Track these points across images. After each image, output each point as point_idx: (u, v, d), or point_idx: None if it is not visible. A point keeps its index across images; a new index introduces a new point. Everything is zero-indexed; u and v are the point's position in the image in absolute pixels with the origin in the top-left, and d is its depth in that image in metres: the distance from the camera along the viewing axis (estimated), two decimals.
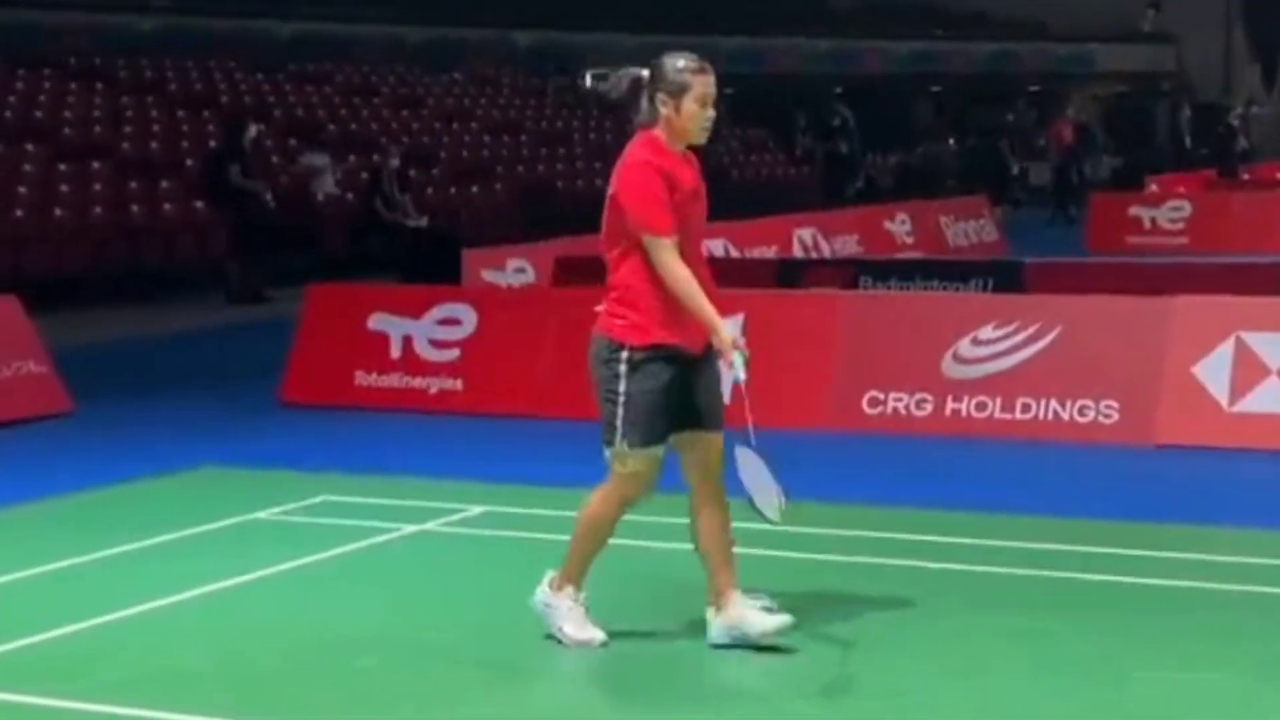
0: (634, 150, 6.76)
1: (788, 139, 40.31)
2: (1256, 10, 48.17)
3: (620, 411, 6.70)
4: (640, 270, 6.70)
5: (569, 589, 6.97)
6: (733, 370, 6.58)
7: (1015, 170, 40.28)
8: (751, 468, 6.63)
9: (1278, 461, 10.84)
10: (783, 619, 6.85)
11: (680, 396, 6.72)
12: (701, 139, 6.78)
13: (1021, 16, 52.36)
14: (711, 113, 6.74)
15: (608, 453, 6.80)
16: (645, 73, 6.79)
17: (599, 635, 6.93)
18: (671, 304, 6.65)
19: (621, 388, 6.69)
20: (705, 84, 6.70)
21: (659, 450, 6.74)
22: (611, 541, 7.04)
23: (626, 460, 6.75)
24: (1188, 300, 12.05)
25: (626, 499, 6.87)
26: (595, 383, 6.82)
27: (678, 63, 6.72)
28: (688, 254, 6.68)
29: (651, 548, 8.39)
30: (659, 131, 6.76)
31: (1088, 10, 51.44)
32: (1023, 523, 9.19)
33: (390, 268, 21.42)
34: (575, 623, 6.94)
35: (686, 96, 6.68)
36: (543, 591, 7.01)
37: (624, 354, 6.71)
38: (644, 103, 6.77)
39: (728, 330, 6.62)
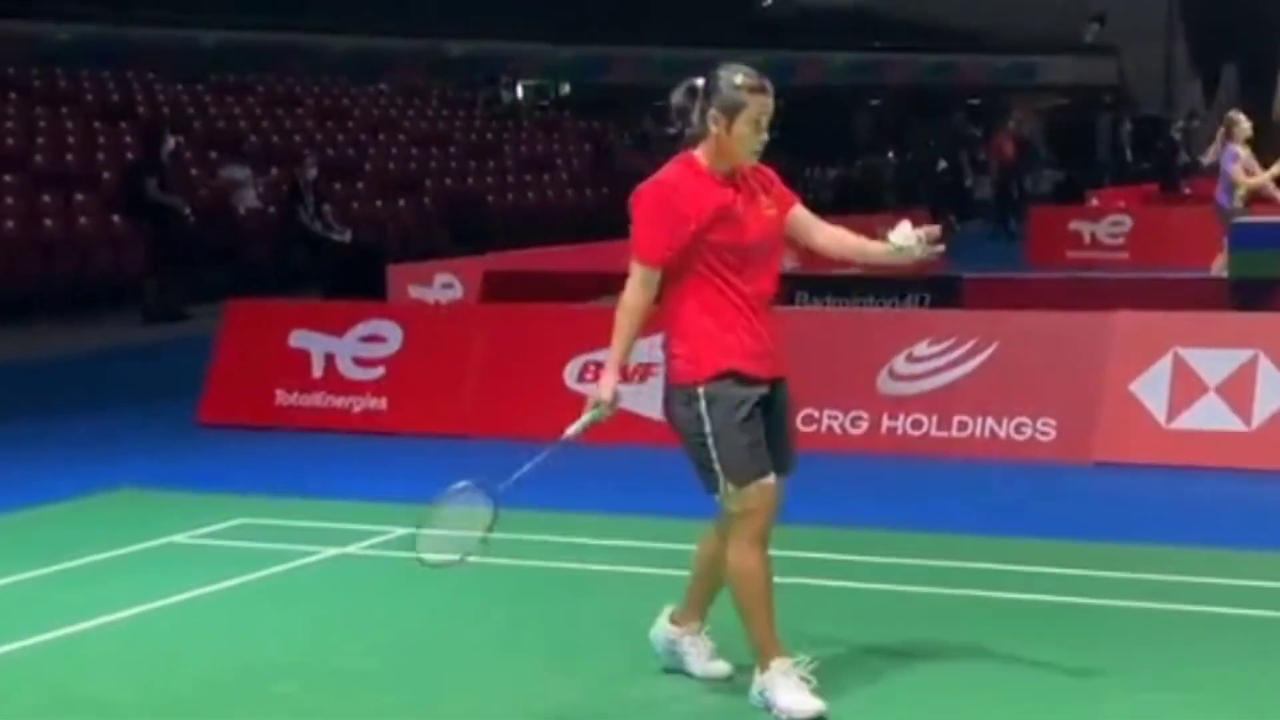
0: (663, 169, 6.47)
1: None
2: (1198, 23, 48.68)
3: (713, 453, 6.31)
4: (686, 297, 6.39)
5: (775, 664, 6.40)
6: (583, 419, 6.39)
7: (970, 183, 40.51)
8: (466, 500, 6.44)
9: (1216, 479, 10.95)
10: (719, 668, 6.79)
11: (759, 436, 6.38)
12: (750, 161, 6.46)
13: (962, 28, 52.74)
14: (765, 136, 6.41)
15: (717, 499, 6.44)
16: (701, 83, 6.44)
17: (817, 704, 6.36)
18: (728, 329, 6.33)
19: (707, 428, 6.31)
20: (762, 105, 6.37)
21: (767, 483, 6.35)
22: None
23: (739, 500, 6.36)
24: (1125, 316, 12.16)
25: (756, 544, 6.41)
26: (680, 435, 6.46)
27: (735, 79, 6.37)
28: (738, 284, 6.33)
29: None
30: (700, 151, 6.43)
31: (1029, 22, 51.89)
32: (959, 542, 9.26)
33: (314, 283, 21.38)
34: (792, 689, 6.37)
35: (740, 117, 6.35)
36: (757, 682, 6.46)
37: (699, 391, 6.34)
38: (695, 115, 6.43)
39: (604, 386, 6.40)
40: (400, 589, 8.60)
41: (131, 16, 34.16)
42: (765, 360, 6.39)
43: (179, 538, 9.69)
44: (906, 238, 6.48)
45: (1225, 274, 18.68)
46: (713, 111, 6.37)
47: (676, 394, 6.45)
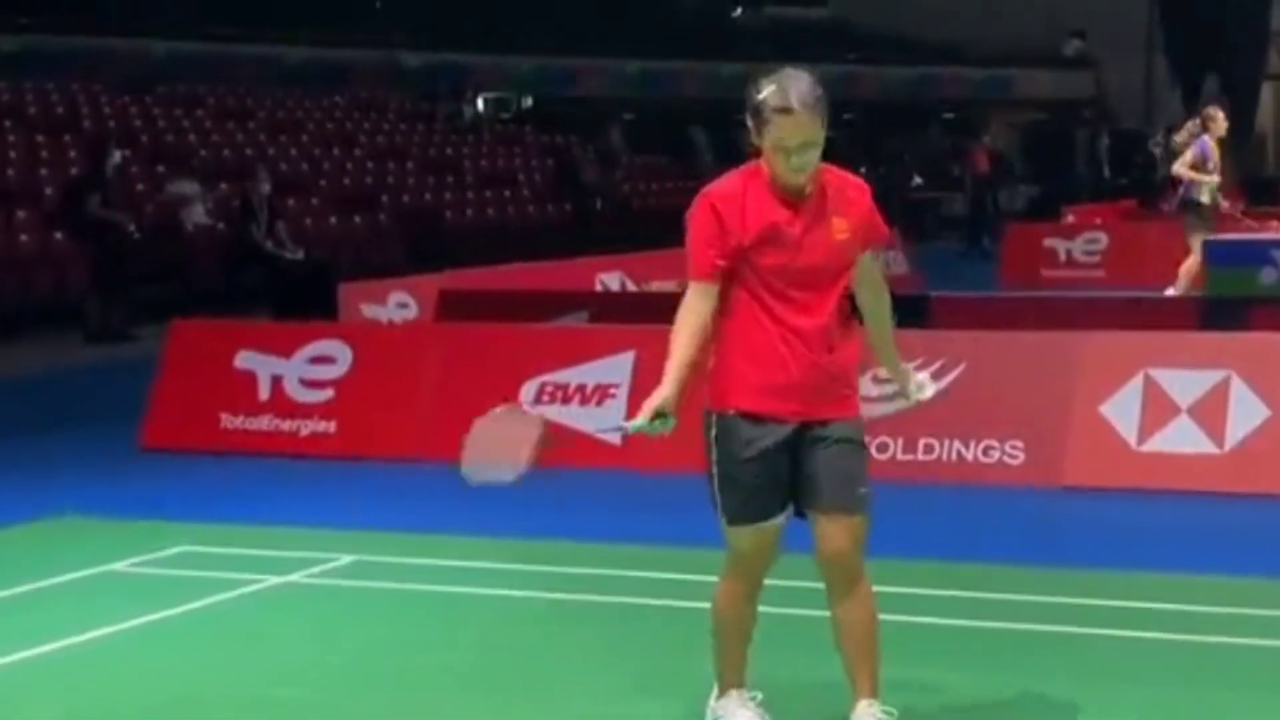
0: (726, 176, 6.25)
1: (691, 166, 40.53)
2: (1178, 37, 48.94)
3: (713, 485, 6.23)
4: (727, 318, 6.15)
5: (732, 693, 6.46)
6: (628, 426, 6.14)
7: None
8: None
9: (1187, 503, 11.01)
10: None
11: (789, 469, 6.17)
12: (792, 181, 6.06)
13: (938, 40, 52.94)
14: (796, 160, 6.00)
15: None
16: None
17: None
18: (755, 362, 6.11)
19: (713, 458, 6.20)
20: (785, 128, 5.96)
21: (763, 527, 6.20)
22: None
23: (730, 537, 6.29)
24: (1095, 336, 12.22)
25: (738, 582, 6.36)
26: None
27: (760, 92, 6.03)
28: (781, 312, 6.08)
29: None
30: (763, 161, 6.14)
31: (1006, 34, 52.10)
32: (925, 568, 9.27)
33: (264, 303, 21.35)
34: (748, 712, 6.46)
35: (766, 136, 6.04)
36: (711, 707, 6.52)
37: (712, 420, 6.20)
38: (750, 122, 6.12)
39: (653, 396, 6.03)
40: (343, 617, 8.61)
41: (77, 25, 34.10)
42: (794, 399, 6.10)
43: (118, 565, 9.67)
44: (921, 386, 6.62)
45: (1187, 284, 18.89)
46: (751, 123, 6.08)
47: (703, 414, 6.28)
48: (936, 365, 12.12)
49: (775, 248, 6.03)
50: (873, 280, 6.37)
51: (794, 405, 6.10)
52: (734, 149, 40.35)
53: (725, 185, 6.12)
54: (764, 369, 6.09)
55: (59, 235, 24.18)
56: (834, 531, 6.19)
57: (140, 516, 11.17)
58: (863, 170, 46.85)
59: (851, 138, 52.29)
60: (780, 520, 6.24)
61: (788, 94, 5.95)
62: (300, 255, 22.41)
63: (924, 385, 6.58)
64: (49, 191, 25.82)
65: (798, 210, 6.06)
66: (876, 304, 6.41)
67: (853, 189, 6.18)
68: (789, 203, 6.06)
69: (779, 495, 6.18)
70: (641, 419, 6.03)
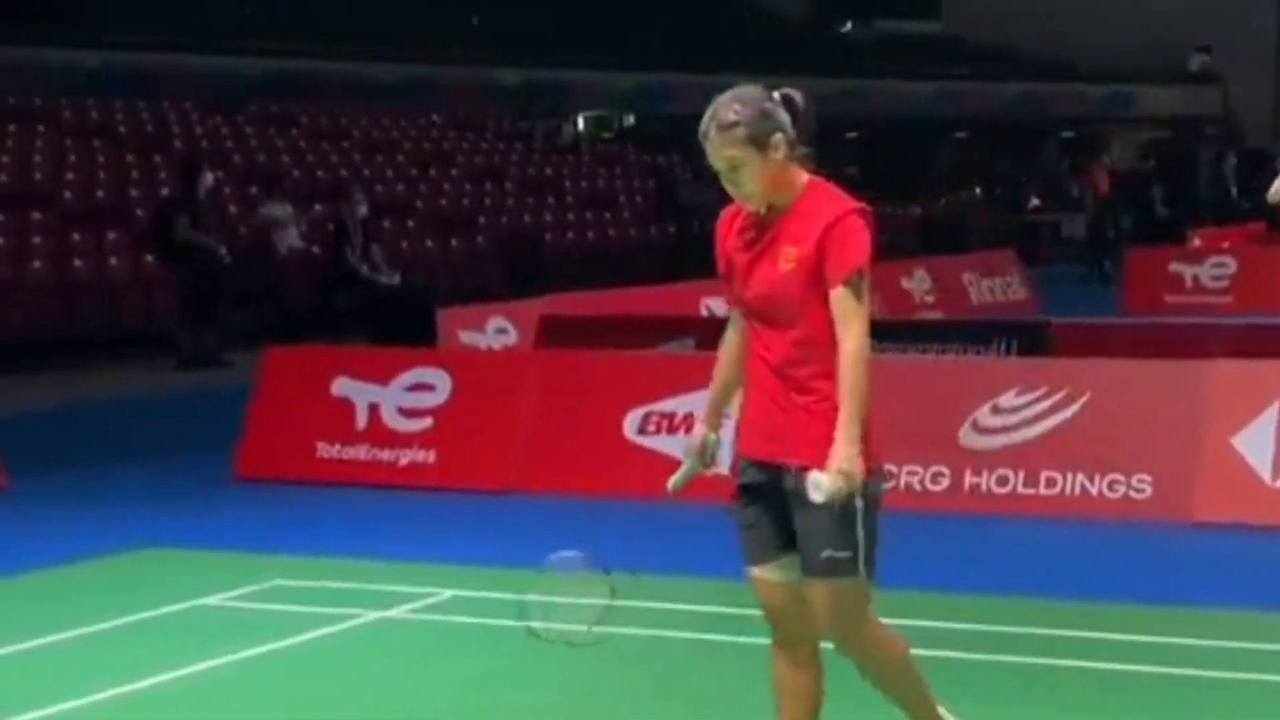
0: None
1: None
2: None
3: None
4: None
5: None
6: (680, 472, 6.07)
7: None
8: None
9: None
10: None
11: (778, 517, 5.92)
12: (745, 206, 5.91)
13: (1054, 55, 52.62)
14: (728, 183, 5.85)
15: None
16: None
17: None
18: (745, 394, 6.01)
19: None
20: (708, 153, 5.87)
21: (755, 571, 5.98)
22: None
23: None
24: (1227, 365, 12.09)
25: (771, 634, 6.11)
26: None
27: (709, 110, 5.88)
28: (756, 344, 5.91)
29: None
30: None
31: (1127, 49, 51.72)
32: (1050, 608, 9.20)
33: (358, 328, 21.47)
34: None
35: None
36: None
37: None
38: None
39: (691, 436, 6.08)
40: (448, 655, 8.61)
41: (166, 42, 34.44)
42: (754, 436, 5.93)
43: (210, 600, 9.72)
44: (816, 484, 5.65)
45: None
46: None
47: None
48: (1060, 395, 12.04)
49: (734, 277, 5.94)
50: (839, 317, 5.75)
51: (753, 443, 5.92)
52: (837, 173, 40.50)
53: (728, 207, 6.04)
54: (746, 403, 6.04)
55: (149, 258, 24.39)
56: (811, 597, 5.87)
57: (233, 548, 11.23)
58: (975, 190, 46.77)
59: (962, 157, 52.18)
60: (770, 573, 5.94)
61: (705, 118, 5.84)
62: (396, 280, 22.51)
63: (819, 484, 5.61)
64: (139, 213, 26.08)
65: (755, 235, 5.89)
66: (840, 345, 5.76)
67: (824, 213, 5.78)
68: (754, 228, 5.91)
69: (764, 543, 5.93)
70: (680, 472, 6.11)
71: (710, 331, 17.42)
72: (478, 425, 13.42)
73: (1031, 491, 11.89)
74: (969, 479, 12.06)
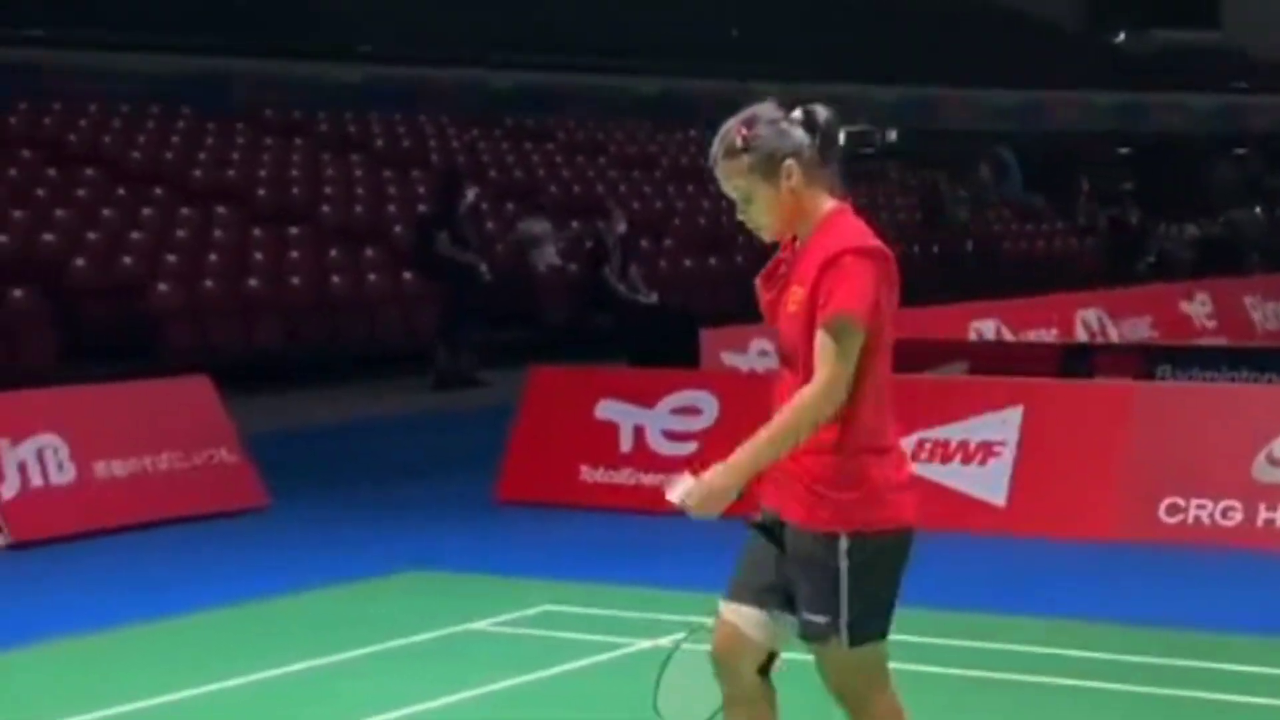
0: None
1: (1067, 206, 39.98)
2: None
3: None
4: None
5: None
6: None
7: None
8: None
9: None
10: None
11: (771, 567, 5.69)
12: (764, 236, 5.66)
13: None
14: (742, 215, 5.65)
15: None
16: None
17: None
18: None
19: None
20: (720, 180, 5.64)
21: (723, 607, 5.78)
22: None
23: None
24: None
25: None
26: None
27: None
28: (777, 379, 5.66)
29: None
30: None
31: None
32: None
33: (616, 348, 21.60)
34: None
35: None
36: None
37: None
38: None
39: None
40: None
41: (422, 56, 34.99)
42: (769, 483, 5.64)
43: (480, 624, 9.87)
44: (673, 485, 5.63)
45: None
46: None
47: None
48: None
49: (764, 305, 5.70)
50: (815, 361, 5.41)
51: (766, 487, 5.67)
52: (1111, 190, 39.88)
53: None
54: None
55: (408, 275, 24.75)
56: (823, 660, 5.64)
57: (499, 572, 11.38)
58: (1256, 209, 45.78)
59: (1242, 175, 51.18)
60: (733, 615, 5.71)
61: (722, 133, 5.57)
62: (654, 299, 22.63)
63: (674, 484, 5.59)
64: (397, 229, 26.48)
65: (784, 273, 5.61)
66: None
67: (830, 250, 5.46)
68: (780, 264, 5.65)
69: (748, 585, 5.72)
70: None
71: (981, 356, 17.38)
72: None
73: None
74: (1263, 514, 11.83)
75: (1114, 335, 23.21)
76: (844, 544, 5.44)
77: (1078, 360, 17.16)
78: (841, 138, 5.64)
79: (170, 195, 26.04)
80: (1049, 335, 22.14)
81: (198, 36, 31.80)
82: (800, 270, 5.48)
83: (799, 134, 5.54)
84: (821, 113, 5.60)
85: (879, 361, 5.49)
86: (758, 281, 5.70)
